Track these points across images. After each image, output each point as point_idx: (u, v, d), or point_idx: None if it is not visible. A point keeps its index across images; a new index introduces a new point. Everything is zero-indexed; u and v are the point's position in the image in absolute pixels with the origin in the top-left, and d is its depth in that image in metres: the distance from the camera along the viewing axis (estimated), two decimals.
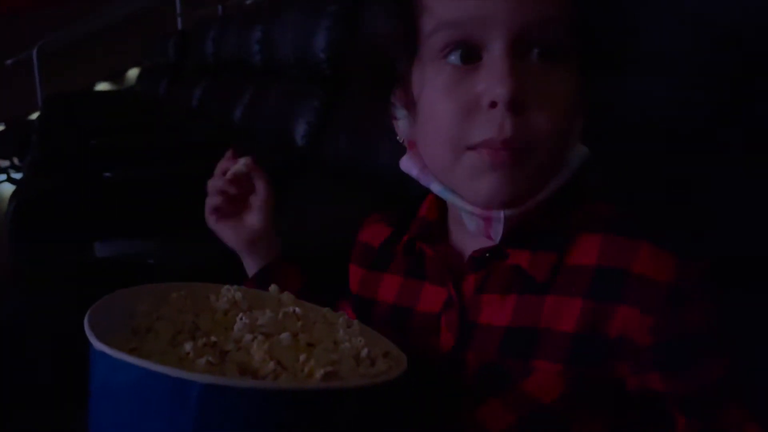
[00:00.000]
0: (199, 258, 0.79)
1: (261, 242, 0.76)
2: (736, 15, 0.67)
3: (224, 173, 0.75)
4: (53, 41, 5.48)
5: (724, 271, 0.52)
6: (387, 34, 0.55)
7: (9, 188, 4.28)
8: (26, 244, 1.51)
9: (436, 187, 0.56)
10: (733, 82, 0.68)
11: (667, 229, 0.54)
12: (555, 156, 0.52)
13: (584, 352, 0.51)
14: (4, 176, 4.63)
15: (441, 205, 0.61)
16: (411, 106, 0.56)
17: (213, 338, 0.46)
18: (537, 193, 0.52)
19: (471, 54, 0.50)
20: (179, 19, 5.12)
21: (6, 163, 4.74)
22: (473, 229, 0.55)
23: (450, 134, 0.51)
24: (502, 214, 0.52)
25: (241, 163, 0.74)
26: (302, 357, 0.46)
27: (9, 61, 5.49)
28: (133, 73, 5.70)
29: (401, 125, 0.58)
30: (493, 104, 0.49)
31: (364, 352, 0.50)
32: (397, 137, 0.59)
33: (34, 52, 5.49)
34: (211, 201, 0.75)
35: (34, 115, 5.09)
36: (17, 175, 4.42)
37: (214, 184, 0.75)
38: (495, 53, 0.49)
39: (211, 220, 0.76)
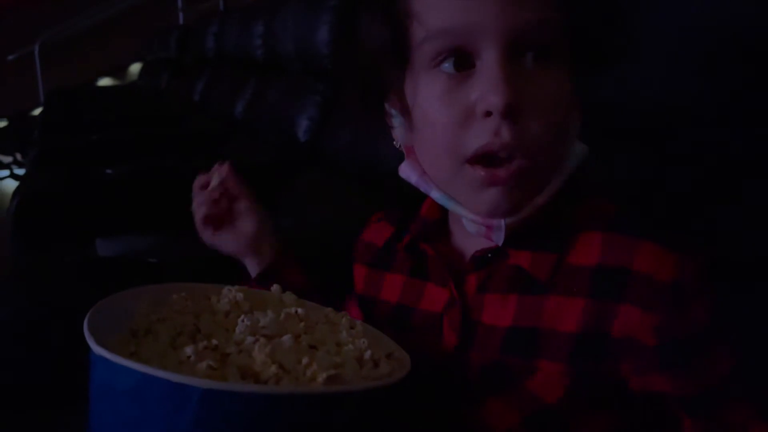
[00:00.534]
0: (202, 255, 0.79)
1: (261, 244, 0.75)
2: (736, 15, 0.67)
3: (204, 187, 0.74)
4: (55, 36, 5.48)
5: (723, 271, 0.51)
6: (377, 43, 0.54)
7: (12, 184, 4.29)
8: (28, 241, 1.51)
9: (435, 194, 0.55)
10: (733, 82, 0.67)
11: (668, 227, 0.53)
12: (554, 158, 0.52)
13: (587, 352, 0.50)
14: (6, 172, 4.63)
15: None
16: (406, 112, 0.55)
17: (214, 341, 0.46)
18: (537, 196, 0.52)
19: (464, 61, 0.49)
20: (181, 14, 5.13)
21: (9, 158, 4.75)
22: (474, 232, 0.55)
23: (447, 143, 0.51)
24: (503, 222, 0.52)
25: (220, 171, 0.74)
26: (305, 360, 0.45)
27: (11, 57, 5.49)
28: (135, 68, 5.70)
29: (398, 131, 0.58)
30: (488, 113, 0.48)
31: (368, 354, 0.49)
32: (394, 143, 0.59)
33: (36, 47, 5.49)
34: (200, 215, 0.74)
35: (37, 111, 5.09)
36: (20, 171, 4.42)
37: (198, 201, 0.75)
38: (487, 60, 0.48)
39: (206, 236, 0.76)
